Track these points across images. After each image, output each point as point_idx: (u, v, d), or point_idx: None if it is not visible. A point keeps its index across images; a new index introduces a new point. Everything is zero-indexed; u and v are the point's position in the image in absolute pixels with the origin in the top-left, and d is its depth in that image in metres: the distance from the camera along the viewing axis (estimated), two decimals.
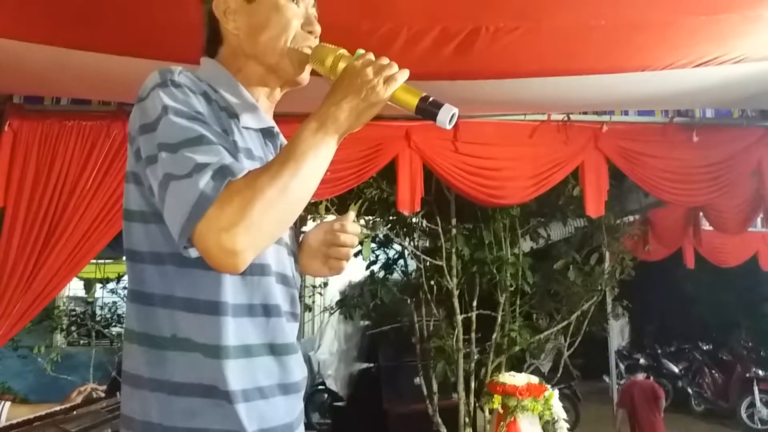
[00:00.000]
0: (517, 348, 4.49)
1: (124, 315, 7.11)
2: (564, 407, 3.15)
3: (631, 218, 5.71)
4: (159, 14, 2.18)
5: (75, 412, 2.02)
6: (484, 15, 2.32)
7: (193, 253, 0.92)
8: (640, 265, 5.33)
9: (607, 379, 6.91)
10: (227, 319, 0.98)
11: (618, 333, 5.86)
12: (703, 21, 2.31)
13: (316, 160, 0.96)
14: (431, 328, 4.87)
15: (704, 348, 8.48)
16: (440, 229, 4.46)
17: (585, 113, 3.65)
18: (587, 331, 4.95)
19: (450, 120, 1.02)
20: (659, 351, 8.43)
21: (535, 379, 3.12)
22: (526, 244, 5.04)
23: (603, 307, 5.23)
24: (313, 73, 1.17)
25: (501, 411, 3.04)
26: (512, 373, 3.23)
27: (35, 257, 3.13)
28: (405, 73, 1.01)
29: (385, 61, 1.01)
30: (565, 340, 4.90)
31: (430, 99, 1.02)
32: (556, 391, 3.11)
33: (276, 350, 1.05)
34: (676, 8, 2.25)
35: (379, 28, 2.26)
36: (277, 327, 1.06)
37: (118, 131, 3.26)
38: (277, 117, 1.21)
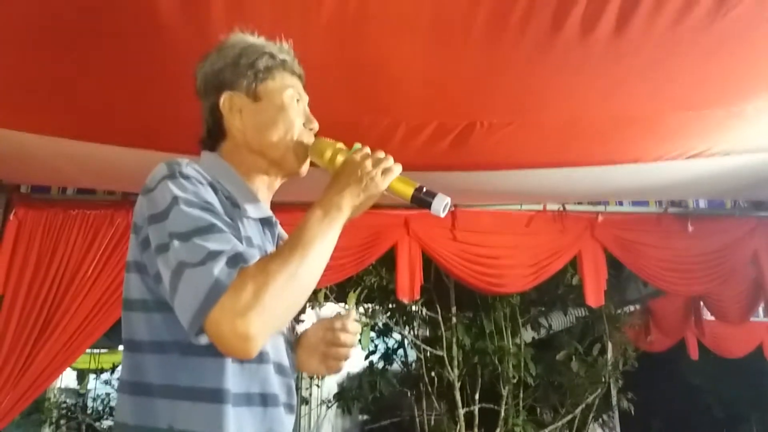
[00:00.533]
0: None
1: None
2: None
3: (632, 308, 5.68)
4: (162, 108, 2.26)
5: None
6: (479, 111, 2.42)
7: (203, 340, 0.92)
8: (643, 356, 5.24)
9: None
10: (228, 408, 0.97)
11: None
12: (690, 116, 2.40)
13: (323, 246, 1.00)
14: (432, 422, 4.72)
15: None
16: (440, 318, 4.43)
17: (580, 203, 3.72)
18: (592, 424, 4.79)
19: (444, 208, 1.08)
20: None
21: None
22: (528, 334, 4.99)
23: (608, 400, 5.09)
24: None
25: None
26: None
27: (30, 346, 3.09)
28: (399, 167, 1.09)
29: (381, 154, 1.09)
30: None
31: (425, 189, 1.09)
32: None
33: None
34: (662, 103, 2.34)
35: (379, 123, 2.36)
36: (275, 417, 1.05)
37: (121, 219, 3.32)
38: (275, 206, 1.25)
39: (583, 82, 2.20)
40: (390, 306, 4.63)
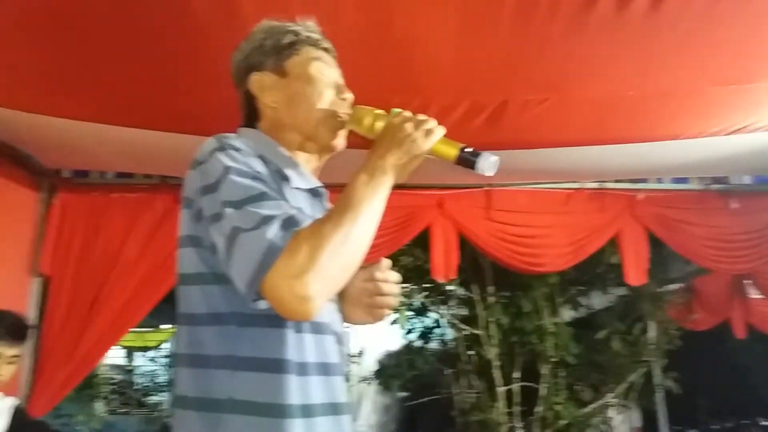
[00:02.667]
0: (562, 422, 4.31)
1: (163, 383, 7.21)
2: None
3: (675, 286, 5.54)
4: (197, 92, 2.30)
5: None
6: (513, 89, 2.38)
7: (262, 305, 0.93)
8: (687, 335, 5.13)
9: None
10: (291, 377, 0.99)
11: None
12: (732, 90, 2.31)
13: (371, 208, 1.01)
14: (472, 400, 4.74)
15: (762, 424, 7.96)
16: (477, 297, 4.41)
17: (619, 181, 3.63)
18: (635, 404, 4.73)
19: (491, 167, 1.06)
20: (714, 427, 7.95)
21: None
22: (567, 313, 4.93)
23: (650, 380, 5.01)
24: (351, 145, 1.22)
25: None
26: None
27: (78, 325, 3.21)
28: (442, 128, 1.08)
29: (422, 116, 1.08)
30: (612, 414, 4.69)
31: (470, 149, 1.07)
32: None
33: (337, 410, 1.06)
34: (702, 78, 2.26)
35: (409, 104, 2.33)
36: (336, 386, 1.07)
37: (160, 203, 3.38)
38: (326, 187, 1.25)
39: (619, 57, 2.14)
40: (426, 286, 4.63)
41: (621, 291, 4.97)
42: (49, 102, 2.51)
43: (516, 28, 1.98)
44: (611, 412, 4.65)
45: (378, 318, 1.27)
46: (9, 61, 2.19)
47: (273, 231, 0.92)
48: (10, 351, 2.25)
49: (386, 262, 1.26)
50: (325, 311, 1.07)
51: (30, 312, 3.27)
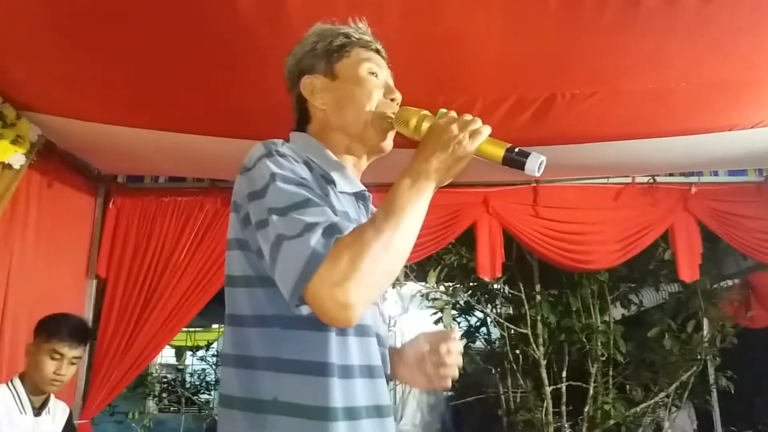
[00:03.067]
0: (611, 422, 4.21)
1: (212, 382, 7.35)
2: None
3: (730, 282, 5.35)
4: (245, 98, 2.34)
5: None
6: (560, 83, 2.34)
7: (304, 310, 0.94)
8: (743, 333, 4.94)
9: None
10: (334, 380, 0.99)
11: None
12: None
13: (414, 213, 1.00)
14: (518, 399, 4.67)
15: None
16: (524, 296, 4.35)
17: (671, 174, 3.53)
18: (688, 403, 4.59)
19: (539, 167, 1.03)
20: None
21: None
22: (617, 311, 4.82)
23: (704, 378, 4.85)
24: (399, 144, 1.22)
25: None
26: None
27: (132, 326, 3.31)
28: (488, 128, 1.05)
29: (468, 117, 1.05)
30: (665, 414, 4.56)
31: (517, 149, 1.04)
32: None
33: (381, 412, 1.06)
34: (760, 67, 2.18)
35: (454, 101, 2.33)
36: (381, 389, 1.07)
37: (210, 206, 3.47)
38: (370, 187, 1.25)
39: (671, 48, 2.08)
40: (471, 284, 4.59)
41: (673, 288, 4.83)
42: (105, 111, 2.60)
43: (562, 21, 1.95)
44: (663, 412, 4.52)
45: (439, 386, 1.24)
46: (66, 72, 2.28)
47: (315, 238, 0.92)
48: (72, 353, 2.31)
49: (456, 332, 1.24)
50: (368, 314, 1.08)
51: (87, 313, 3.39)
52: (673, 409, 4.54)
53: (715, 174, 3.54)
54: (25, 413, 2.25)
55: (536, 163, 1.03)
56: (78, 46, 2.09)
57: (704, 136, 2.73)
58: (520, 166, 1.04)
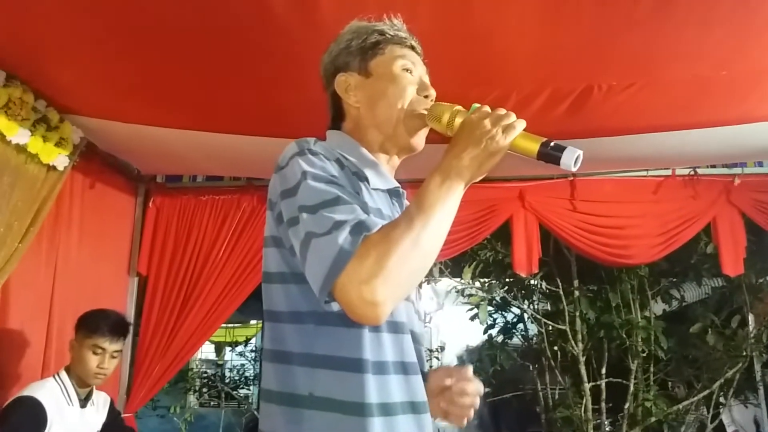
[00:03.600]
0: (653, 419, 4.13)
1: (251, 377, 7.45)
2: None
3: None
4: (281, 97, 2.37)
5: None
6: (596, 74, 2.30)
7: (335, 306, 0.95)
8: None
9: None
10: (368, 377, 1.00)
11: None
12: None
13: (444, 211, 0.99)
14: (557, 396, 4.62)
15: None
16: (561, 291, 4.29)
17: (714, 166, 3.44)
18: (733, 401, 4.46)
19: (575, 162, 1.01)
20: None
21: None
22: (658, 307, 4.71)
23: (750, 375, 4.72)
24: (433, 140, 1.21)
25: None
26: None
27: (173, 322, 3.38)
28: (522, 123, 1.03)
29: (502, 111, 1.03)
30: (708, 412, 4.45)
31: (552, 143, 1.02)
32: None
33: (416, 408, 1.06)
34: None
35: (488, 95, 2.30)
36: (416, 385, 1.07)
37: (247, 204, 3.51)
38: (402, 183, 1.25)
39: (711, 36, 2.02)
40: (507, 280, 4.55)
41: (717, 282, 4.70)
42: (144, 112, 2.66)
43: (599, 11, 1.91)
44: (707, 410, 4.40)
45: (458, 423, 1.22)
46: (108, 76, 2.34)
47: (343, 236, 0.93)
48: (113, 347, 2.40)
49: (470, 370, 1.20)
50: (402, 311, 1.09)
51: (128, 310, 3.47)
52: (721, 406, 4.42)
53: (760, 165, 3.43)
54: (72, 405, 2.33)
55: (572, 158, 1.00)
56: (119, 50, 2.14)
57: (747, 126, 2.64)
58: (556, 161, 1.01)
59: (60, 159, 2.68)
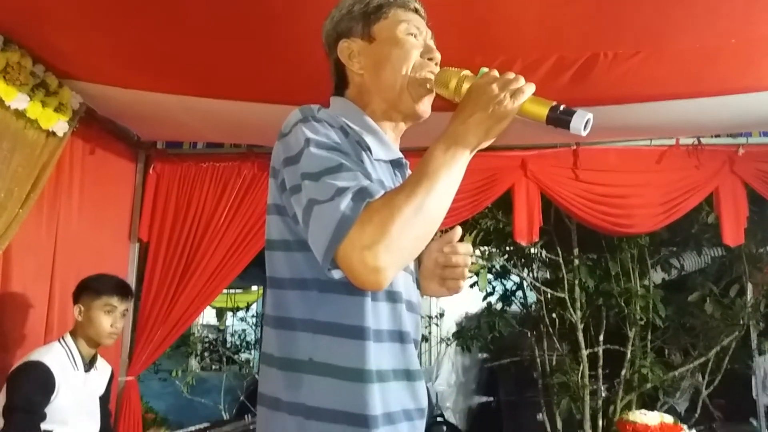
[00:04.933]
0: (648, 385, 4.19)
1: (251, 342, 7.54)
2: None
3: None
4: (282, 63, 2.33)
5: None
6: (602, 41, 2.26)
7: (336, 274, 0.95)
8: None
9: (754, 423, 6.24)
10: (370, 344, 1.01)
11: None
12: None
13: (449, 177, 0.98)
14: (554, 362, 4.67)
15: None
16: (561, 260, 4.30)
17: (718, 136, 3.41)
18: (729, 368, 4.52)
19: (585, 126, 0.99)
20: None
21: (669, 419, 2.90)
22: (657, 275, 4.74)
23: (746, 343, 4.77)
24: (440, 108, 1.19)
25: None
26: (643, 411, 3.03)
27: (174, 287, 3.40)
28: (531, 86, 1.00)
29: (510, 75, 1.01)
30: (703, 378, 4.51)
31: (561, 107, 1.00)
32: None
33: (405, 376, 1.08)
34: None
35: (492, 62, 2.27)
36: (410, 354, 1.09)
37: (248, 171, 3.50)
38: (407, 151, 1.24)
39: (720, 4, 1.98)
40: (507, 249, 4.56)
41: (716, 252, 4.72)
42: (144, 78, 2.63)
43: None
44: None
45: (453, 290, 1.26)
46: (107, 41, 2.31)
47: (345, 202, 0.92)
48: (122, 305, 2.45)
49: (458, 231, 1.23)
50: (400, 280, 1.09)
51: (130, 276, 3.49)
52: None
53: (765, 135, 3.39)
54: (78, 369, 2.36)
55: (582, 122, 0.98)
56: (118, 15, 2.10)
57: (754, 95, 2.61)
58: (565, 125, 0.99)
59: (59, 124, 2.66)
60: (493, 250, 4.53)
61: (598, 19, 2.10)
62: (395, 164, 1.17)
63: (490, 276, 4.84)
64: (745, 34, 2.17)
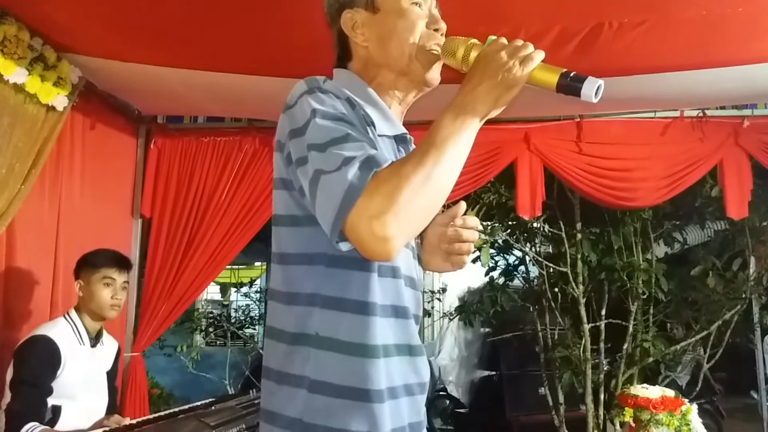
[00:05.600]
0: (650, 359, 4.22)
1: (255, 317, 7.59)
2: (705, 424, 2.92)
3: None
4: (282, 35, 2.31)
5: (213, 408, 2.17)
6: (607, 10, 2.23)
7: (344, 246, 0.94)
8: None
9: (755, 396, 6.29)
10: (375, 319, 1.01)
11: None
12: None
13: (457, 146, 0.96)
14: (556, 337, 4.70)
15: None
16: (564, 234, 4.30)
17: (723, 108, 3.38)
18: (730, 342, 4.54)
19: (596, 93, 0.97)
20: None
21: (670, 392, 2.91)
22: (660, 249, 4.73)
23: (749, 317, 4.78)
24: (446, 79, 1.17)
25: (633, 425, 2.87)
26: (645, 385, 3.04)
27: (177, 263, 3.41)
28: (541, 54, 0.99)
29: (519, 42, 0.99)
30: (705, 352, 4.53)
31: (572, 74, 0.98)
32: (695, 406, 2.89)
33: (404, 351, 1.07)
34: None
35: (495, 32, 2.21)
36: (406, 328, 1.08)
37: (249, 145, 3.49)
38: (411, 125, 1.23)
39: None
40: (510, 223, 4.56)
41: (720, 225, 4.71)
42: (143, 51, 2.61)
43: None
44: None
45: (457, 265, 1.24)
46: (105, 13, 2.28)
47: (353, 172, 0.91)
48: (121, 277, 2.46)
49: (463, 206, 1.22)
50: (401, 256, 1.08)
51: (133, 251, 3.49)
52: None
53: None
54: (84, 344, 2.38)
55: (593, 88, 0.96)
56: None
57: (761, 66, 2.58)
58: (576, 92, 0.97)
59: (59, 99, 2.64)
60: (496, 224, 4.52)
61: None
62: (399, 140, 1.16)
63: (492, 251, 4.85)
64: (752, 3, 2.14)
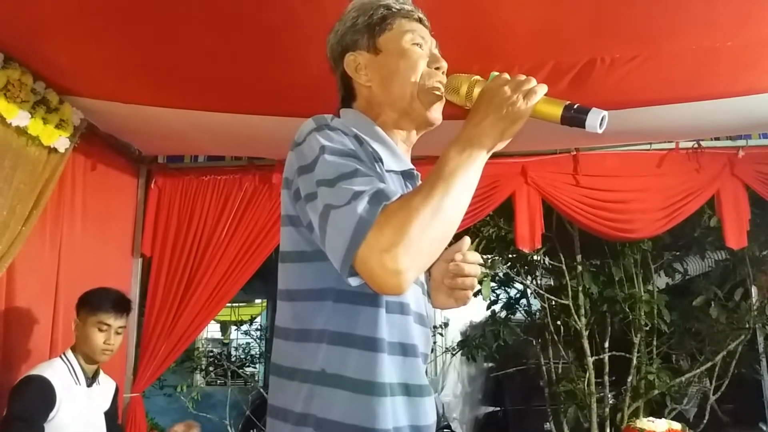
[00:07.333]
0: (656, 392, 4.17)
1: (256, 355, 7.51)
2: None
3: None
4: (281, 74, 2.34)
5: None
6: (599, 46, 2.27)
7: (354, 281, 0.94)
8: None
9: (764, 428, 6.19)
10: (383, 356, 1.00)
11: None
12: None
13: (465, 178, 0.97)
14: (560, 370, 4.65)
15: None
16: (564, 267, 4.30)
17: (718, 139, 3.41)
18: (736, 373, 4.49)
19: (601, 123, 0.98)
20: None
21: (677, 425, 2.88)
22: (661, 280, 4.73)
23: (753, 347, 4.74)
24: (450, 115, 1.19)
25: None
26: (651, 418, 3.01)
27: (178, 302, 3.40)
28: (544, 87, 1.01)
29: (522, 77, 1.02)
30: (711, 383, 4.48)
31: (575, 106, 1.00)
32: None
33: (411, 391, 1.06)
34: None
35: (490, 69, 2.27)
36: (413, 367, 1.07)
37: (249, 183, 3.50)
38: (417, 160, 1.24)
39: (716, 6, 1.99)
40: (510, 256, 4.56)
41: (720, 255, 4.70)
42: (144, 93, 2.65)
43: None
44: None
45: (461, 301, 1.24)
46: (106, 56, 2.32)
47: (362, 206, 0.91)
48: (118, 323, 2.44)
49: (467, 241, 1.22)
50: (410, 293, 1.07)
51: (133, 291, 3.48)
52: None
53: (765, 137, 3.40)
54: (80, 384, 2.36)
55: (597, 119, 0.98)
56: (117, 30, 2.12)
57: (752, 98, 2.61)
58: (581, 123, 0.99)
59: (61, 141, 2.67)
60: (496, 258, 4.52)
61: (594, 24, 2.11)
62: (406, 175, 1.17)
63: (493, 284, 4.83)
64: (741, 37, 2.18)
